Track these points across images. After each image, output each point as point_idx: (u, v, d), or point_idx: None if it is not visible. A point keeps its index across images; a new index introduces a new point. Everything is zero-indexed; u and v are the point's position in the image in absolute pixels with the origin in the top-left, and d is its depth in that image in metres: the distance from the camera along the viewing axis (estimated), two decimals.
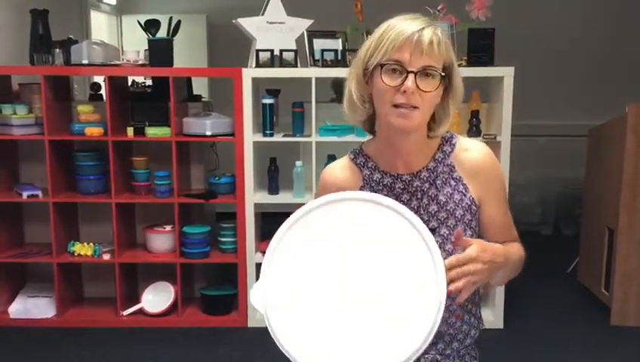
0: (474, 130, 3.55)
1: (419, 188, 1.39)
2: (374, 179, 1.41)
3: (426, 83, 1.27)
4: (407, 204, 1.36)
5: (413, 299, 1.18)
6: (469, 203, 1.38)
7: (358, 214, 1.22)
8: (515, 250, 1.40)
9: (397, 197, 1.37)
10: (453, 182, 1.39)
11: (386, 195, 1.36)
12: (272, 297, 1.22)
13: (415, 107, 1.27)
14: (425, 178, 1.39)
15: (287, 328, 1.21)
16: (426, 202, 1.38)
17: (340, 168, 1.46)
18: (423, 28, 1.27)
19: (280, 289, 1.22)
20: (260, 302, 1.22)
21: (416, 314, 1.17)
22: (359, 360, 1.19)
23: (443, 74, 1.29)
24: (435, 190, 1.38)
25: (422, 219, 1.29)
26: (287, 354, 1.21)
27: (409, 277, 1.18)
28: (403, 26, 1.28)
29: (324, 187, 1.46)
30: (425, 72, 1.27)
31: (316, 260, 1.22)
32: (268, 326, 1.23)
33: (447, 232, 1.36)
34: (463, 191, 1.39)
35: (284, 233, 1.24)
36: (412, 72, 1.25)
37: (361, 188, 1.41)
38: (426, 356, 1.40)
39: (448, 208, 1.37)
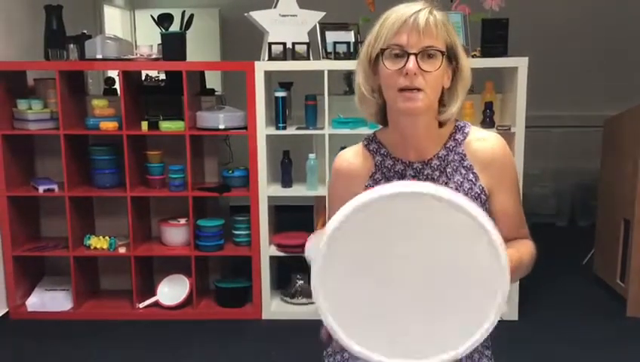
0: (488, 122, 3.53)
1: (429, 176, 1.40)
2: (386, 165, 1.43)
3: (428, 63, 1.29)
4: None
5: (475, 292, 1.17)
6: (479, 191, 1.39)
7: (425, 209, 1.16)
8: (527, 250, 1.40)
9: None
10: (463, 171, 1.40)
11: None
12: (327, 282, 1.19)
13: (419, 89, 1.29)
14: (435, 166, 1.40)
15: (339, 311, 1.20)
16: None
17: (353, 154, 1.49)
18: (420, 10, 1.30)
19: (335, 275, 1.20)
20: (313, 251, 1.21)
21: (476, 310, 1.16)
22: (409, 350, 1.19)
23: (443, 50, 1.30)
24: (446, 178, 1.40)
25: None
26: (336, 337, 1.20)
27: (471, 271, 1.17)
28: (400, 11, 1.31)
29: (337, 172, 1.49)
30: (426, 53, 1.29)
31: (374, 251, 1.19)
32: (314, 295, 1.19)
33: None
34: (473, 179, 1.39)
35: (346, 216, 1.18)
36: (412, 53, 1.28)
37: (373, 174, 1.43)
38: None
39: None
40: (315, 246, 1.20)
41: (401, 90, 1.30)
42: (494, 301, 1.16)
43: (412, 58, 1.28)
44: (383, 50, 1.31)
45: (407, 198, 1.16)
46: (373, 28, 1.35)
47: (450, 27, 1.33)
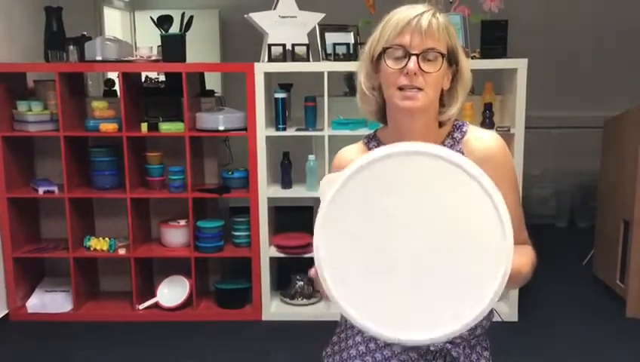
0: (487, 123, 3.54)
1: None
2: None
3: (429, 64, 1.32)
4: None
5: (478, 257, 1.13)
6: None
7: (425, 169, 1.17)
8: (527, 258, 1.37)
9: None
10: None
11: None
12: (327, 251, 1.18)
13: (420, 89, 1.32)
14: None
15: (335, 259, 1.17)
16: None
17: (354, 151, 1.52)
18: (423, 12, 1.33)
19: (336, 241, 1.18)
20: (324, 189, 1.20)
21: (481, 275, 1.13)
22: (410, 318, 1.15)
23: (444, 52, 1.33)
24: None
25: None
26: (340, 308, 1.17)
27: (473, 235, 1.14)
28: (404, 12, 1.34)
29: (337, 169, 1.49)
30: (427, 54, 1.31)
31: (374, 214, 1.17)
32: (315, 234, 1.18)
33: None
34: None
35: (345, 182, 1.18)
36: (414, 54, 1.31)
37: None
38: (436, 344, 1.41)
39: None
40: (329, 184, 1.20)
41: (401, 88, 1.32)
42: (497, 271, 1.12)
43: (413, 58, 1.30)
44: (385, 49, 1.33)
45: (425, 158, 1.16)
46: (377, 27, 1.38)
47: (452, 30, 1.35)
